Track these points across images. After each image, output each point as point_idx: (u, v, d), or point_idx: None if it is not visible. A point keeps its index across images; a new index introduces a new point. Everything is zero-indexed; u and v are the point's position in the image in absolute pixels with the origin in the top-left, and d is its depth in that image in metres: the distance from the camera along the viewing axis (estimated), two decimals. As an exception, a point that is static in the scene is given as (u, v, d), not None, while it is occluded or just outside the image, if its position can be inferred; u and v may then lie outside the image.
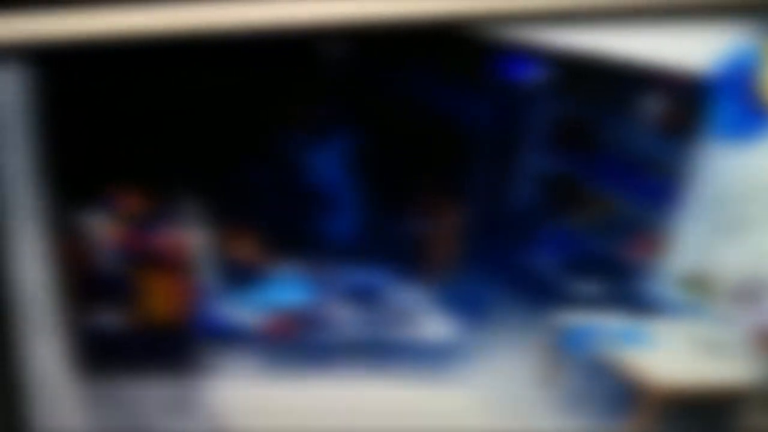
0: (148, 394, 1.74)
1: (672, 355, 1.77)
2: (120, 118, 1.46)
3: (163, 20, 1.21)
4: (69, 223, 1.54)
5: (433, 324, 1.83)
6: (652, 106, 1.50)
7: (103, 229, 1.62)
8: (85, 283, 1.64)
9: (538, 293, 1.73)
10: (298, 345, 1.78)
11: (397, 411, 1.74)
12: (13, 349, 1.43)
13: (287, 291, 1.77)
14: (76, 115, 1.43)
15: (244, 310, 1.78)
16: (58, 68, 1.31)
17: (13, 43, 1.15)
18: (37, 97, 1.33)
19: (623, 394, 1.79)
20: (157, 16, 1.19)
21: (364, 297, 1.79)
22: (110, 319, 1.69)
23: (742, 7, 1.32)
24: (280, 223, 1.68)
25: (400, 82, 1.48)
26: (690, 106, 1.46)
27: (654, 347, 1.77)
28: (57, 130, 1.41)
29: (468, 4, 1.24)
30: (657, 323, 1.75)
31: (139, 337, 1.72)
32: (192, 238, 1.67)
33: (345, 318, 1.80)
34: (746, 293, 1.63)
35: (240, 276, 1.75)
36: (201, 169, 1.57)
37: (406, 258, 1.72)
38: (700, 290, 1.67)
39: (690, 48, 1.40)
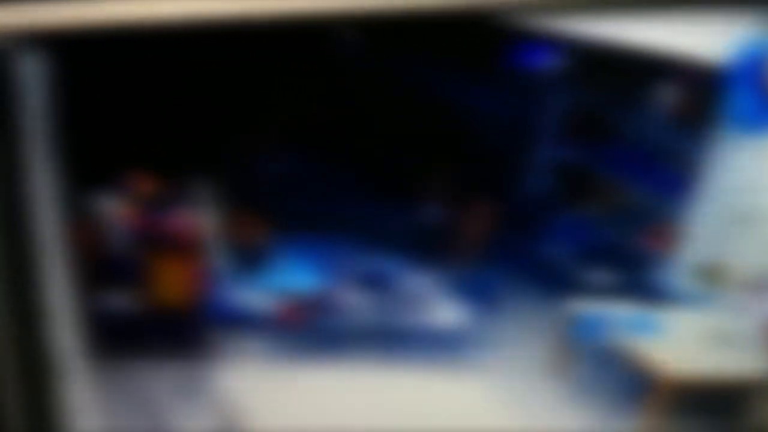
0: (159, 378, 1.78)
1: (684, 345, 1.80)
2: (134, 103, 1.51)
3: (178, 7, 1.25)
4: (83, 205, 1.59)
5: (445, 311, 1.87)
6: (667, 97, 1.54)
7: (116, 211, 1.67)
8: (97, 266, 1.68)
9: (550, 282, 1.77)
10: (308, 331, 1.82)
11: (407, 398, 1.78)
12: (35, 329, 1.48)
13: (298, 276, 1.82)
14: (91, 100, 1.48)
15: (255, 295, 1.82)
16: (75, 54, 1.36)
17: (32, 31, 1.20)
18: (53, 82, 1.38)
19: (634, 384, 1.82)
20: (171, 3, 1.24)
21: (376, 283, 1.82)
22: (122, 302, 1.73)
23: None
24: (291, 207, 1.72)
25: (414, 72, 1.52)
26: (705, 96, 1.49)
27: (666, 338, 1.80)
28: (72, 114, 1.45)
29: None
30: (669, 314, 1.79)
31: (150, 320, 1.76)
32: (204, 221, 1.71)
33: (356, 304, 1.84)
34: (759, 285, 1.67)
35: (251, 260, 1.79)
36: (213, 152, 1.61)
37: (419, 245, 1.76)
38: (713, 281, 1.70)
39: (705, 39, 1.44)
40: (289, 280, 1.80)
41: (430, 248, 1.77)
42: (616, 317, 1.78)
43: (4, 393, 1.47)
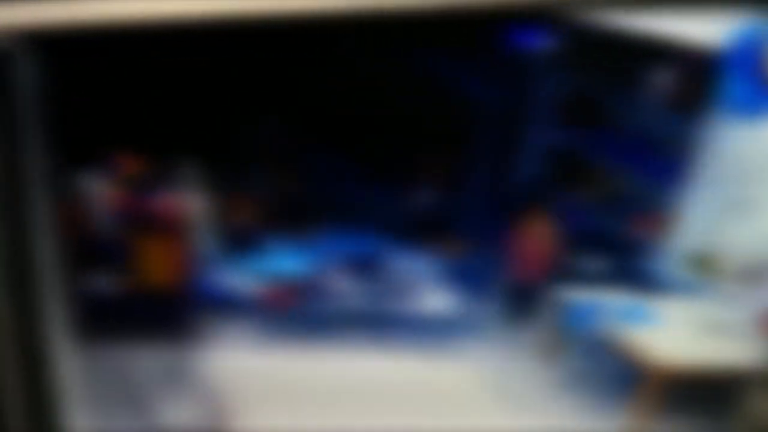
0: (145, 361, 1.79)
1: (676, 334, 1.82)
2: (121, 83, 1.52)
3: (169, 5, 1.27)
4: (69, 186, 1.60)
5: (435, 297, 1.89)
6: (662, 82, 1.55)
7: (102, 192, 1.68)
8: (83, 247, 1.69)
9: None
10: (296, 315, 1.83)
11: (395, 383, 1.79)
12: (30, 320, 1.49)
13: (286, 260, 1.83)
14: (77, 81, 1.49)
15: (242, 279, 1.83)
16: (66, 40, 1.38)
17: (29, 30, 1.22)
18: (44, 65, 1.40)
19: (626, 373, 1.84)
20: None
21: (365, 267, 1.84)
22: (107, 283, 1.74)
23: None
24: (279, 190, 1.73)
25: (408, 55, 1.54)
26: (700, 82, 1.51)
27: (658, 326, 1.82)
28: (61, 96, 1.46)
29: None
30: (662, 302, 1.80)
31: (136, 302, 1.77)
32: (191, 203, 1.72)
33: (344, 288, 1.86)
34: (752, 274, 1.69)
35: (238, 243, 1.80)
36: (201, 133, 1.63)
37: (409, 230, 1.78)
38: (706, 270, 1.72)
39: (702, 25, 1.46)
40: (278, 263, 1.82)
41: (420, 233, 1.79)
42: (608, 305, 1.80)
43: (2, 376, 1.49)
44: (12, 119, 1.41)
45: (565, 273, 1.80)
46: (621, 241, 1.72)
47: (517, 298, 1.80)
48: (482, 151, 1.59)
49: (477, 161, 1.61)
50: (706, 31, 1.47)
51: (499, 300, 1.84)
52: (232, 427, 1.77)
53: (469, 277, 1.80)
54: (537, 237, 1.76)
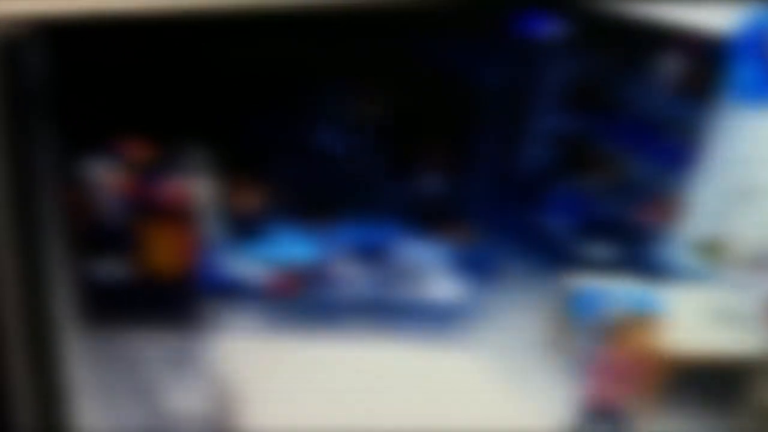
0: (150, 349, 1.82)
1: (684, 322, 1.84)
2: (128, 66, 1.55)
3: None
4: (75, 173, 1.63)
5: (442, 284, 1.90)
6: (670, 67, 1.57)
7: (108, 177, 1.70)
8: (89, 233, 1.72)
9: (549, 255, 1.81)
10: (302, 302, 1.86)
11: (402, 371, 1.82)
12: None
13: (293, 246, 1.85)
14: (84, 66, 1.52)
15: (249, 265, 1.86)
16: (69, 26, 1.40)
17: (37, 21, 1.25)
18: (47, 51, 1.42)
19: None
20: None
21: (372, 254, 1.86)
22: (113, 270, 1.77)
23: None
24: (287, 175, 1.75)
25: (413, 38, 1.56)
26: (708, 67, 1.52)
27: (666, 313, 1.83)
28: (66, 82, 1.49)
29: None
30: (669, 289, 1.82)
31: (141, 289, 1.78)
32: (197, 188, 1.74)
33: (351, 275, 1.88)
34: (762, 261, 1.71)
35: (245, 229, 1.82)
36: (208, 118, 1.65)
37: (416, 216, 1.79)
38: (714, 256, 1.74)
39: (710, 10, 1.48)
40: (284, 250, 1.85)
41: (427, 220, 1.81)
42: (615, 292, 1.81)
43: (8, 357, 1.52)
44: (19, 106, 1.44)
45: (571, 260, 1.82)
46: (628, 228, 1.75)
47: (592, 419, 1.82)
48: (489, 137, 1.62)
49: (484, 147, 1.63)
50: (714, 16, 1.49)
51: (506, 285, 1.86)
52: (238, 414, 1.80)
53: (477, 264, 1.83)
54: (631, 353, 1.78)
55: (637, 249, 1.76)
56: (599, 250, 1.80)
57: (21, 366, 1.60)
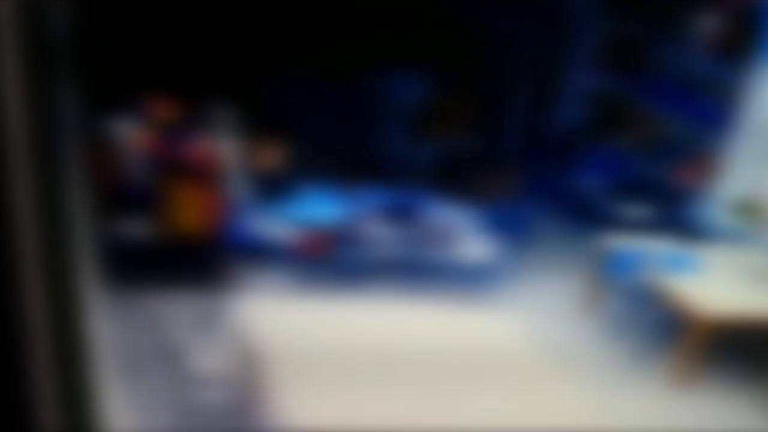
0: (175, 309, 1.86)
1: (721, 283, 1.87)
2: (155, 25, 1.59)
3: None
4: (101, 131, 1.68)
5: (473, 245, 1.95)
6: (706, 26, 1.60)
7: (134, 136, 1.75)
8: (114, 192, 1.77)
9: (583, 215, 1.85)
10: (330, 263, 1.92)
11: (431, 334, 1.86)
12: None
13: (321, 206, 1.90)
14: (110, 25, 1.56)
15: (276, 226, 1.91)
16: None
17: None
18: (73, 8, 1.47)
19: (669, 323, 1.90)
20: None
21: (401, 214, 1.91)
22: (138, 230, 1.82)
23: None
24: (314, 134, 1.80)
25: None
26: (745, 27, 1.56)
27: (702, 275, 1.87)
28: (92, 37, 1.54)
29: None
30: (706, 250, 1.86)
31: (166, 250, 1.84)
32: (223, 147, 1.79)
33: (381, 236, 1.95)
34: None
35: (272, 189, 1.87)
36: (235, 76, 1.69)
37: (447, 176, 1.83)
38: (752, 217, 1.77)
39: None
40: (312, 210, 1.91)
41: (459, 180, 1.84)
42: (651, 253, 1.85)
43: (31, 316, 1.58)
44: (44, 64, 1.49)
45: (606, 221, 1.85)
46: (664, 188, 1.79)
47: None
48: (524, 95, 1.66)
49: (518, 106, 1.68)
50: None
51: (538, 246, 1.89)
52: (264, 376, 1.84)
53: (509, 224, 1.87)
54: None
55: (672, 209, 1.81)
56: (635, 210, 1.84)
57: (41, 327, 1.65)
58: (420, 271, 1.97)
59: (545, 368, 1.84)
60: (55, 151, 1.46)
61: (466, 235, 2.03)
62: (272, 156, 1.90)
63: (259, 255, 1.96)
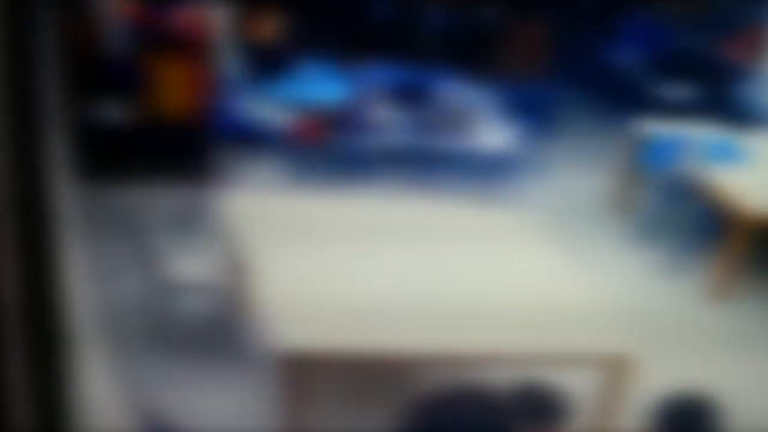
0: (154, 206, 1.76)
1: None
2: None
3: None
4: None
5: (491, 131, 1.85)
6: None
7: (113, 3, 1.64)
8: (90, 69, 1.66)
9: (616, 97, 1.75)
10: (329, 151, 1.82)
11: (442, 232, 1.75)
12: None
13: (320, 86, 1.79)
14: None
15: (270, 108, 1.80)
16: None
17: None
18: None
19: (710, 222, 1.82)
20: None
21: (410, 95, 1.80)
22: (115, 112, 1.71)
23: None
24: (317, 1, 1.69)
25: None
26: None
27: (749, 166, 1.80)
28: None
29: None
30: (755, 137, 1.78)
31: (147, 134, 1.74)
32: (212, 16, 1.68)
33: (387, 120, 1.82)
34: None
35: (266, 66, 1.77)
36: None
37: (464, 53, 1.73)
38: None
39: None
40: (311, 90, 1.78)
41: (476, 55, 1.74)
42: (693, 141, 1.77)
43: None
44: None
45: (642, 102, 1.76)
46: (708, 64, 1.70)
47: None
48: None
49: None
50: None
51: (565, 133, 1.80)
52: (251, 284, 1.73)
53: (531, 107, 1.75)
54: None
55: (718, 89, 1.71)
56: (675, 90, 1.75)
57: (8, 218, 1.51)
58: (431, 161, 1.86)
59: (566, 269, 1.75)
60: (27, 21, 1.30)
61: (484, 120, 1.92)
62: (267, 27, 1.81)
63: (251, 142, 1.86)
